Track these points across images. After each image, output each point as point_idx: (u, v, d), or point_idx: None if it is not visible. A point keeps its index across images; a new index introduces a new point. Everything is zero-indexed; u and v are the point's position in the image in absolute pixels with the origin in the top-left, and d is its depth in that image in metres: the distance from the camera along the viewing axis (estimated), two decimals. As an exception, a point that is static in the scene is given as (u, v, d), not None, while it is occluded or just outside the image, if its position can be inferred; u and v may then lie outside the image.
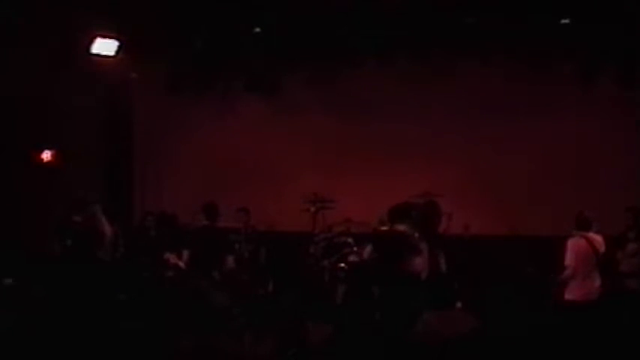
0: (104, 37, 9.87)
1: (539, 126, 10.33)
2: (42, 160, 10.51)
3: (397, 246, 8.10)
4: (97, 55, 9.95)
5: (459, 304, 5.19)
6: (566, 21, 9.21)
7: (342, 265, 9.26)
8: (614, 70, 9.68)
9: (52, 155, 10.54)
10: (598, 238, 6.97)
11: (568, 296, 6.91)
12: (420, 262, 8.29)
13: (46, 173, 10.40)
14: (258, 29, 10.03)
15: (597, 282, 6.91)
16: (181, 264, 8.24)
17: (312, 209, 9.90)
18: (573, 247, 6.88)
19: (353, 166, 10.76)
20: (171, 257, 8.33)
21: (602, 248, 6.94)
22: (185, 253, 8.42)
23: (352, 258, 9.25)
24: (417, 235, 8.38)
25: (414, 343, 4.53)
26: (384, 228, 8.20)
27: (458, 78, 10.30)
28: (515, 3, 9.13)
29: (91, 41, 9.80)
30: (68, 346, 3.81)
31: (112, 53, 10.04)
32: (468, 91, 10.47)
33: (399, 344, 4.43)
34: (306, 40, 10.13)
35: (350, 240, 9.46)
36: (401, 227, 8.15)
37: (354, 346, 4.25)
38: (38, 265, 7.11)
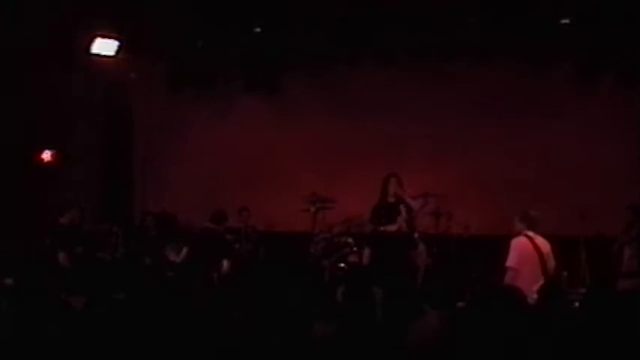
0: (104, 37, 9.88)
1: (539, 126, 10.31)
2: (42, 160, 10.50)
3: (397, 245, 8.16)
4: (97, 55, 9.96)
5: (459, 304, 5.18)
6: (566, 21, 9.21)
7: (342, 265, 9.27)
8: (614, 70, 9.68)
9: (52, 155, 10.54)
10: (540, 238, 6.66)
11: None
12: (420, 261, 8.36)
13: (46, 173, 10.39)
14: (258, 29, 10.03)
15: (537, 285, 6.49)
16: (178, 260, 8.27)
17: (312, 209, 9.91)
18: (516, 247, 6.60)
19: (353, 166, 10.75)
20: (171, 254, 8.36)
21: (545, 249, 6.62)
22: (184, 251, 8.45)
23: (352, 258, 9.27)
24: (416, 234, 8.45)
25: (414, 344, 4.52)
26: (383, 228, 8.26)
27: (458, 78, 10.29)
28: (515, 3, 9.13)
29: (91, 41, 9.81)
30: (67, 345, 3.81)
31: (112, 53, 10.05)
32: (468, 90, 10.45)
33: (399, 344, 4.43)
34: (306, 40, 10.13)
35: (350, 240, 9.47)
36: (392, 227, 8.22)
37: (354, 346, 4.24)
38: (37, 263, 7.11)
